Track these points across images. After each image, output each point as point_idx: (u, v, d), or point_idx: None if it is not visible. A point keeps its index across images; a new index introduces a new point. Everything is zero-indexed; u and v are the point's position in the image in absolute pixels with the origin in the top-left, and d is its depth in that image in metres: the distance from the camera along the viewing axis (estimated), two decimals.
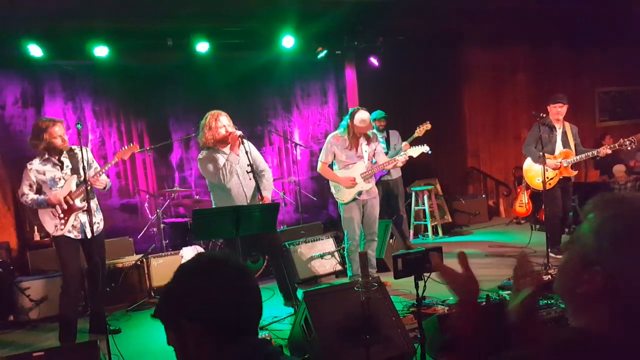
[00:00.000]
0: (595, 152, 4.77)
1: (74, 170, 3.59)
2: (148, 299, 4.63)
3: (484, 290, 3.86)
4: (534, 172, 5.09)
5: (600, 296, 0.86)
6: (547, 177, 4.86)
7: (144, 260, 4.76)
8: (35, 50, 5.15)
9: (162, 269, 4.78)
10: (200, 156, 3.81)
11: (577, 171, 5.02)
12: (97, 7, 4.97)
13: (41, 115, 5.73)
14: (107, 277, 4.47)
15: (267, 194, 3.83)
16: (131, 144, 3.76)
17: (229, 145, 3.73)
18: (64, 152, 3.58)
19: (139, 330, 3.99)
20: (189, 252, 4.87)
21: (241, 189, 3.76)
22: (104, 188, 3.68)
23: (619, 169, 6.84)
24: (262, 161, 3.97)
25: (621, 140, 4.69)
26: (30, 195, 3.53)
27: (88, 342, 2.70)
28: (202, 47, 5.65)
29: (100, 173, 3.62)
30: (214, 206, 3.91)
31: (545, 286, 4.02)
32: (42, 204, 3.51)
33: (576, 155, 4.90)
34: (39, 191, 3.56)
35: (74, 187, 3.55)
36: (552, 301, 3.26)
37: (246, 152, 3.64)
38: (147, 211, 5.75)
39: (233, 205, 3.70)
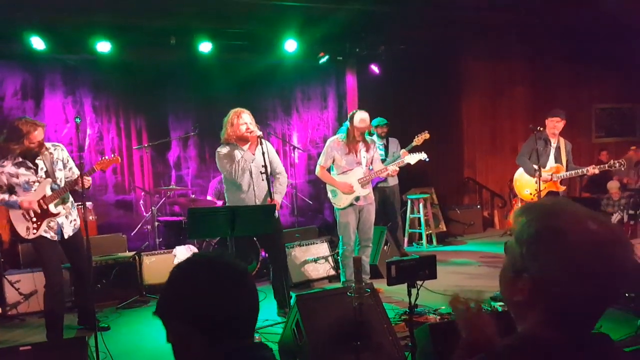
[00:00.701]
0: (584, 171, 4.78)
1: (48, 174, 3.42)
2: (139, 297, 4.60)
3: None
4: (523, 182, 5.09)
5: (531, 301, 0.87)
6: (535, 190, 4.88)
7: (137, 257, 4.74)
8: (37, 43, 5.14)
9: (155, 267, 4.76)
10: (218, 149, 3.86)
11: (565, 187, 5.01)
12: (101, 2, 4.98)
13: (40, 108, 5.72)
14: (98, 273, 4.46)
15: (278, 198, 3.85)
16: (113, 155, 3.62)
17: (248, 144, 3.77)
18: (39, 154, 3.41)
19: (129, 328, 3.96)
20: (182, 251, 4.85)
21: (252, 187, 3.78)
22: (88, 188, 3.49)
23: (613, 185, 6.89)
24: (280, 164, 4.00)
25: (611, 162, 4.73)
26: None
27: (76, 339, 2.67)
28: (205, 47, 5.67)
29: (81, 178, 3.38)
30: (227, 201, 3.93)
31: None
32: (13, 206, 3.35)
33: (566, 171, 4.91)
34: (10, 192, 3.38)
35: (48, 192, 3.38)
36: None
37: (263, 153, 3.65)
38: (142, 208, 5.73)
39: (241, 202, 3.74)
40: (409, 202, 6.62)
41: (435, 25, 6.37)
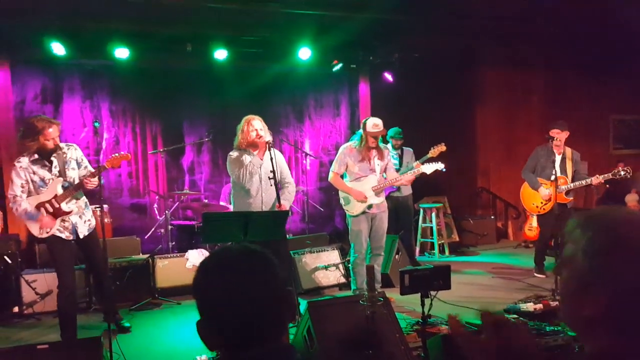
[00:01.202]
0: (588, 181, 4.77)
1: (61, 172, 3.45)
2: (152, 299, 4.64)
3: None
4: (528, 195, 5.16)
5: (606, 316, 0.84)
6: (542, 202, 4.96)
7: (150, 260, 4.78)
8: (58, 49, 5.27)
9: (167, 270, 4.79)
10: (230, 153, 3.92)
11: (572, 198, 4.97)
12: (120, 10, 5.10)
13: (59, 112, 5.84)
14: (112, 275, 4.50)
15: (286, 204, 3.86)
16: (123, 153, 3.62)
17: (258, 149, 3.83)
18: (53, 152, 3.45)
19: (141, 330, 3.98)
20: (194, 255, 4.90)
21: (260, 193, 3.80)
22: (98, 190, 3.51)
23: (631, 199, 6.77)
24: (289, 175, 4.03)
25: (615, 170, 4.72)
26: (23, 204, 3.33)
27: (92, 339, 2.70)
28: (221, 54, 5.75)
29: (94, 176, 3.46)
30: (232, 204, 3.98)
31: (552, 312, 3.91)
32: (32, 219, 3.35)
33: (572, 182, 4.90)
34: (29, 192, 3.40)
35: (60, 191, 3.40)
36: (559, 328, 3.22)
37: (271, 159, 3.69)
38: (156, 212, 5.80)
39: (248, 207, 3.77)
40: (421, 211, 6.58)
41: (450, 34, 6.36)
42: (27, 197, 3.41)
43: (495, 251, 6.82)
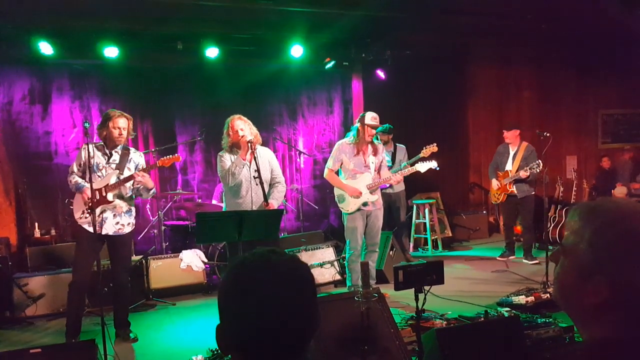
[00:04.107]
0: (517, 175, 5.39)
1: (119, 166, 3.62)
2: (146, 301, 4.61)
3: (482, 307, 3.85)
4: (490, 187, 5.94)
5: (609, 305, 0.85)
6: (497, 193, 5.72)
7: (144, 261, 4.75)
8: (46, 48, 5.20)
9: (161, 271, 4.77)
10: (219, 154, 3.92)
11: (515, 189, 5.54)
12: (109, 8, 5.04)
13: (48, 113, 5.78)
14: (105, 277, 4.46)
15: (274, 203, 3.84)
16: (176, 155, 3.83)
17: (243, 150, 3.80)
18: (119, 147, 3.64)
19: (136, 332, 3.95)
20: (188, 256, 4.87)
21: (250, 193, 3.78)
22: (150, 191, 3.66)
23: (620, 192, 6.85)
24: (280, 174, 4.00)
25: (534, 164, 5.26)
26: (76, 177, 3.58)
27: (86, 341, 2.68)
28: (212, 52, 5.71)
29: (146, 171, 3.66)
30: (225, 206, 3.98)
31: (544, 304, 3.95)
32: (79, 190, 3.57)
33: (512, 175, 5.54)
34: (84, 173, 3.60)
35: (112, 181, 3.58)
36: (550, 320, 3.26)
37: (254, 158, 3.67)
38: (149, 212, 5.76)
39: (237, 207, 3.75)
40: (415, 207, 6.62)
41: (441, 31, 6.39)
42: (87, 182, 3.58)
43: (487, 245, 6.89)
